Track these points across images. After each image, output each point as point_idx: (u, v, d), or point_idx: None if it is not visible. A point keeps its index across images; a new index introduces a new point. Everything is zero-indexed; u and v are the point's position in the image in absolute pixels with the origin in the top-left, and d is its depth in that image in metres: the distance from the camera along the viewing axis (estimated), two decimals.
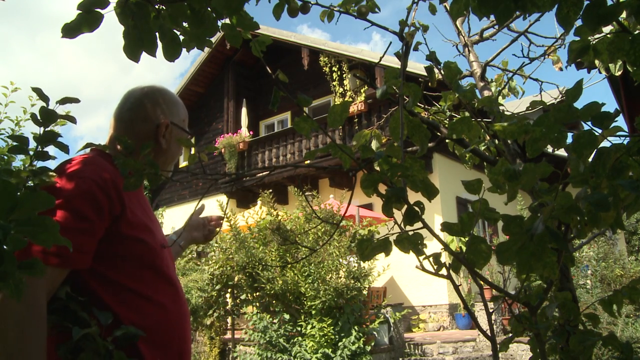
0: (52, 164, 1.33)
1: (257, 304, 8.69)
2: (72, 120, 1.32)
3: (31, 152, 1.22)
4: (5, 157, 3.73)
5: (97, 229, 1.43)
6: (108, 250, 1.46)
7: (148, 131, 1.68)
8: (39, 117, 1.19)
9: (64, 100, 1.25)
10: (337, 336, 7.77)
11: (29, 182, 1.26)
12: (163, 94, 1.76)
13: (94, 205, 1.41)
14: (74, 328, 1.30)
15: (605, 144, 0.97)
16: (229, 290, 9.61)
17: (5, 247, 0.75)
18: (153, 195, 18.07)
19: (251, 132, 15.98)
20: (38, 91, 1.20)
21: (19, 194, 0.76)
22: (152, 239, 1.58)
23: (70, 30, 1.25)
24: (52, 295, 1.35)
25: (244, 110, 16.41)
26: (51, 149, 1.27)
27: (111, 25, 1.69)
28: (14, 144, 1.19)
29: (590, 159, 0.97)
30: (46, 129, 1.20)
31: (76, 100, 1.29)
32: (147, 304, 1.50)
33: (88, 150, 1.58)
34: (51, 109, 1.21)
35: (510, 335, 1.27)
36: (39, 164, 1.27)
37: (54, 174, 1.40)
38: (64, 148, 1.26)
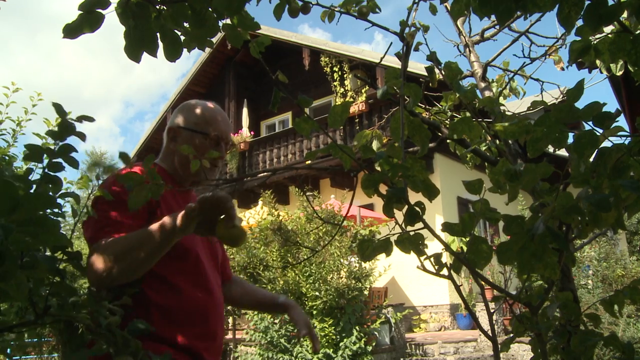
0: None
1: None
2: (82, 137, 1.33)
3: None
4: (7, 158, 3.73)
5: (141, 219, 1.56)
6: None
7: (165, 139, 1.87)
8: (56, 130, 1.20)
9: (80, 119, 1.26)
10: (338, 336, 7.77)
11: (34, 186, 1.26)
12: (186, 103, 1.91)
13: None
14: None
15: (606, 144, 0.97)
16: None
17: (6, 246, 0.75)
18: None
19: (252, 133, 15.98)
20: (57, 107, 1.21)
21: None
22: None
23: (72, 31, 1.25)
24: None
25: (244, 111, 16.41)
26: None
27: (112, 26, 1.69)
28: (14, 143, 1.19)
29: (591, 159, 0.97)
30: (62, 142, 1.22)
31: (91, 119, 1.31)
32: (170, 288, 1.60)
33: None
34: (70, 122, 1.21)
35: (512, 335, 1.27)
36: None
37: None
38: (74, 164, 1.28)
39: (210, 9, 1.35)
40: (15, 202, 0.76)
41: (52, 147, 1.23)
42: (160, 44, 1.38)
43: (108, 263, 1.39)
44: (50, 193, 1.09)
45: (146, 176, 1.32)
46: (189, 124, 1.82)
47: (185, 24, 1.39)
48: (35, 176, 1.30)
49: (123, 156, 1.27)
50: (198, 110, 1.86)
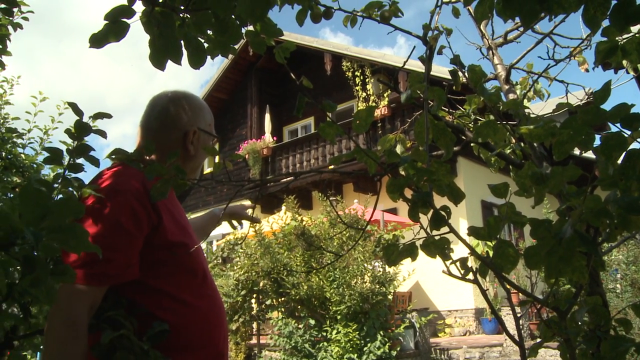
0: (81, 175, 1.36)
1: (283, 309, 8.70)
2: (103, 134, 1.35)
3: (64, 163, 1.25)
4: (35, 165, 3.80)
5: (138, 241, 1.45)
6: (148, 259, 1.48)
7: (176, 139, 1.70)
8: (73, 131, 1.22)
9: (97, 116, 1.29)
10: (362, 341, 7.75)
11: (59, 193, 1.29)
12: (188, 99, 1.76)
13: (134, 218, 1.43)
14: (103, 332, 1.33)
15: (634, 145, 0.95)
16: (254, 295, 9.65)
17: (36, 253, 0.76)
18: None
19: (275, 138, 16.05)
20: (73, 106, 1.23)
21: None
22: (191, 241, 1.59)
23: (98, 40, 1.27)
24: (95, 309, 1.39)
25: (267, 116, 16.49)
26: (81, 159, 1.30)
27: (135, 34, 1.71)
28: (45, 153, 1.22)
29: (619, 162, 0.95)
30: (79, 142, 1.23)
31: (108, 116, 1.33)
32: (184, 307, 1.51)
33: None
34: (86, 123, 1.23)
35: (539, 340, 1.26)
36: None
37: (89, 188, 1.42)
38: (95, 162, 1.29)
39: (233, 16, 1.36)
40: (45, 210, 0.77)
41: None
42: (185, 52, 1.39)
43: (61, 332, 1.31)
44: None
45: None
46: (205, 126, 1.76)
47: (209, 32, 1.40)
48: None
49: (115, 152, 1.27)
50: (206, 109, 1.80)
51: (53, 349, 1.31)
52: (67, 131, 1.24)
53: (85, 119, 1.28)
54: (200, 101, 1.81)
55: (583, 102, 1.81)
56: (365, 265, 8.20)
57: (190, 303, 1.53)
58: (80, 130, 1.23)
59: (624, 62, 1.37)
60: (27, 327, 1.45)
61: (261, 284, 9.10)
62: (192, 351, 1.50)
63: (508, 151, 1.87)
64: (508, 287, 1.12)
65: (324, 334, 8.04)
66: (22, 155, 3.88)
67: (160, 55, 1.34)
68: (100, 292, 1.39)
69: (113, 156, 1.33)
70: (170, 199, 1.63)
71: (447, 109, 2.03)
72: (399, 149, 1.70)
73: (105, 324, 1.36)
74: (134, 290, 1.46)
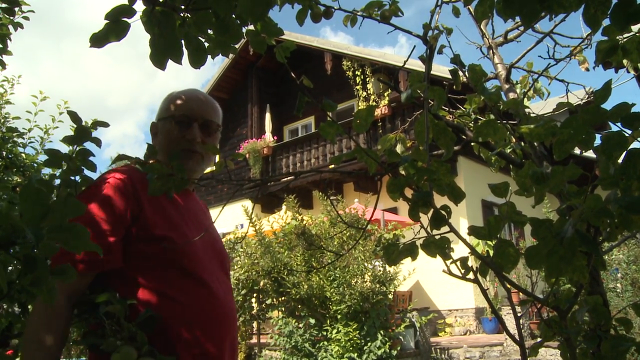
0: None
1: (283, 309, 8.70)
2: (98, 142, 1.37)
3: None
4: (35, 165, 3.80)
5: (118, 229, 1.47)
6: (130, 249, 1.49)
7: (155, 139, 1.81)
8: (73, 134, 1.23)
9: (95, 124, 1.30)
10: (362, 340, 7.74)
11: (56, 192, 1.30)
12: (170, 95, 1.82)
13: (111, 207, 1.47)
14: (100, 305, 1.36)
15: (635, 145, 0.95)
16: (255, 295, 9.64)
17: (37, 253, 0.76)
18: None
19: (275, 137, 16.05)
20: (72, 114, 1.24)
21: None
22: (181, 237, 1.56)
23: (98, 40, 1.27)
24: (78, 297, 1.43)
25: (267, 116, 16.49)
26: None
27: (136, 33, 1.71)
28: (42, 151, 1.25)
29: (620, 161, 0.95)
30: (80, 147, 1.25)
31: (105, 125, 1.35)
32: (167, 302, 1.49)
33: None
34: (86, 127, 1.25)
35: (540, 339, 1.26)
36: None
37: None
38: (92, 167, 1.31)
39: (233, 16, 1.36)
40: (46, 209, 0.77)
41: (71, 153, 1.28)
42: (185, 51, 1.39)
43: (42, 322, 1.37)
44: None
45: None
46: (159, 115, 1.79)
47: (209, 31, 1.40)
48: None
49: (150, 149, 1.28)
50: (166, 98, 1.82)
51: (31, 329, 1.36)
52: (65, 138, 1.26)
53: (83, 123, 1.30)
54: (173, 94, 1.82)
55: (583, 101, 1.81)
56: (366, 264, 8.19)
57: (172, 297, 1.50)
58: (81, 135, 1.25)
59: (625, 61, 1.37)
60: (23, 326, 1.46)
61: (261, 284, 9.10)
62: (175, 344, 1.46)
63: (508, 150, 1.87)
64: (508, 286, 1.12)
65: (324, 333, 8.04)
66: (23, 155, 3.87)
67: (161, 54, 1.34)
68: (81, 279, 1.43)
69: (120, 161, 1.37)
70: (167, 198, 1.62)
71: (447, 109, 2.03)
72: (399, 148, 1.70)
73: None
74: (117, 282, 1.47)
